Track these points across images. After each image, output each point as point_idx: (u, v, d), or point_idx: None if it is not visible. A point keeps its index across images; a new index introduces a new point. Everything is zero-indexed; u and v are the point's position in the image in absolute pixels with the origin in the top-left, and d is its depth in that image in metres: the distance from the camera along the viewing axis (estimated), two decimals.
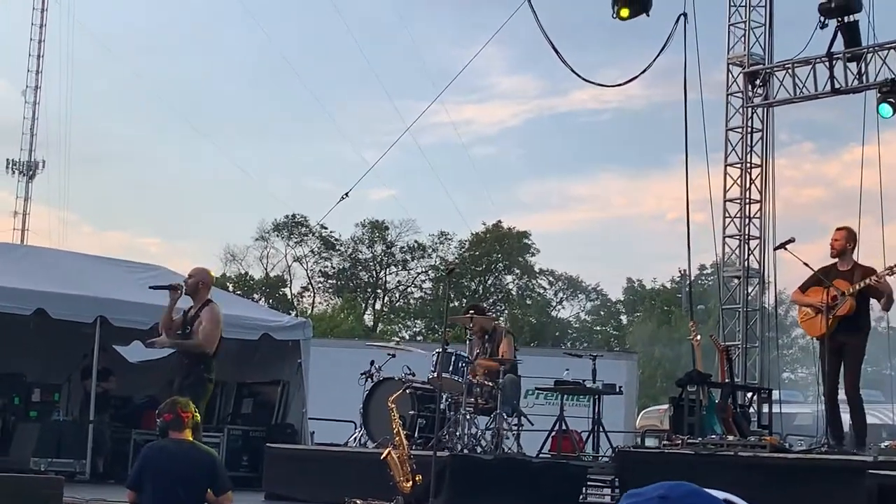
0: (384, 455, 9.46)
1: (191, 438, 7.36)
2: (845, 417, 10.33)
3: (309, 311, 53.29)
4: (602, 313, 59.64)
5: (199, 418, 7.50)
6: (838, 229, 10.49)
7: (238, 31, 71.68)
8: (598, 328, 59.08)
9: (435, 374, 10.83)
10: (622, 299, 59.80)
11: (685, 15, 14.82)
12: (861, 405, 10.17)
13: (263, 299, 53.22)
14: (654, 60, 14.97)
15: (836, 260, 10.37)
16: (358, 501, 9.29)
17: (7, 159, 39.00)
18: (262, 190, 71.48)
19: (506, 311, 53.03)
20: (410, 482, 9.30)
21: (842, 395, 10.32)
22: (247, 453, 14.67)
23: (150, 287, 11.71)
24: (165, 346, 10.41)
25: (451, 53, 65.15)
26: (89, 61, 66.52)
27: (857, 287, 10.02)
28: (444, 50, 66.29)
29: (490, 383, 11.14)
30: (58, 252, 17.01)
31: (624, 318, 60.02)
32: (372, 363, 11.89)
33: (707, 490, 1.74)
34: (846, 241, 10.37)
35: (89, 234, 66.30)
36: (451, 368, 10.87)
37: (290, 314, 30.08)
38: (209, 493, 7.21)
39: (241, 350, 16.25)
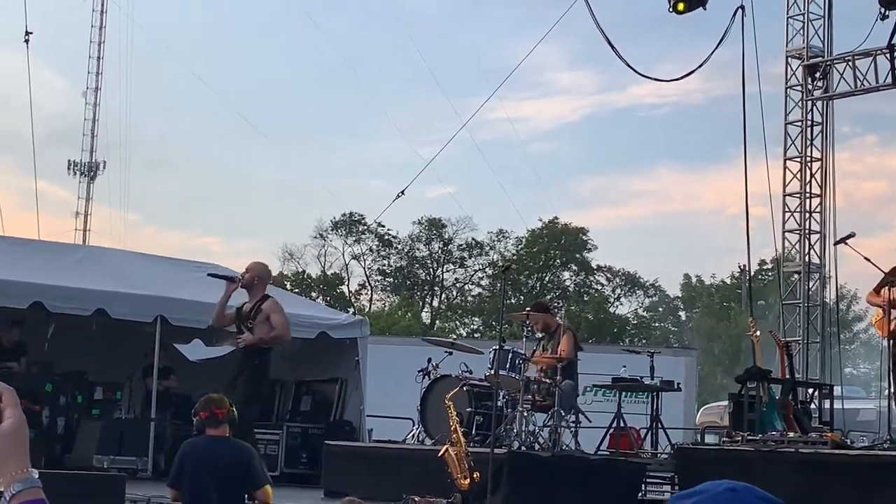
0: (442, 452, 9.47)
1: (227, 434, 7.42)
2: None
3: (366, 309, 53.49)
4: (660, 309, 59.25)
5: (235, 414, 7.54)
6: None
7: (295, 32, 72.11)
8: (657, 324, 58.71)
9: (492, 372, 10.82)
10: (680, 295, 59.37)
11: (742, 8, 14.70)
12: None
13: (321, 297, 53.49)
14: (712, 54, 14.87)
15: None
16: (416, 498, 9.31)
17: (68, 160, 39.53)
18: (320, 189, 71.92)
19: (563, 308, 52.85)
20: (468, 479, 9.30)
21: None
22: (306, 451, 14.75)
23: (209, 274, 11.82)
24: (251, 342, 10.31)
25: (508, 50, 65.07)
26: (148, 62, 67.24)
27: None
28: (502, 47, 66.25)
29: (547, 381, 11.10)
30: (117, 252, 17.20)
31: (682, 315, 59.59)
32: (429, 361, 11.91)
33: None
34: None
35: (150, 235, 67.08)
36: (507, 366, 10.85)
37: (347, 312, 30.21)
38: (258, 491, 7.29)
39: (300, 348, 16.33)
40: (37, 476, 1.76)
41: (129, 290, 14.15)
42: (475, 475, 9.32)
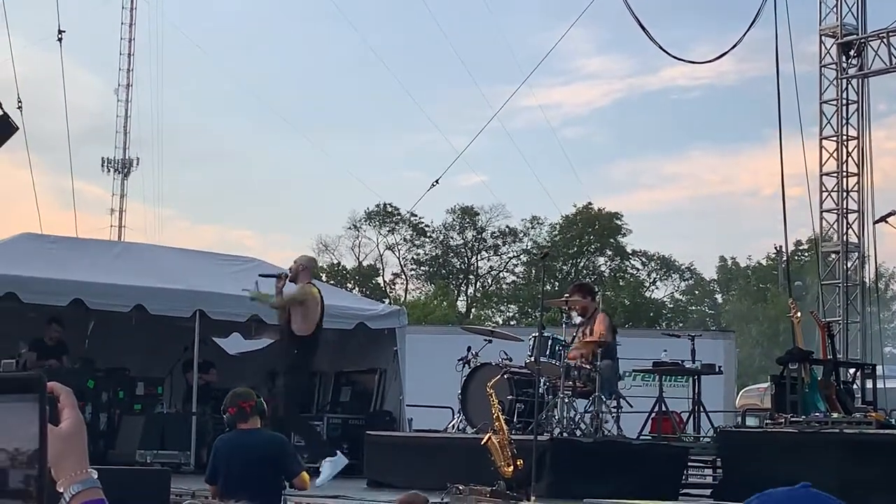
0: (485, 440, 9.47)
1: (258, 426, 7.48)
2: None
3: (402, 299, 53.58)
4: (696, 293, 58.98)
5: (264, 405, 7.60)
6: None
7: (325, 23, 72.16)
8: (693, 308, 58.45)
9: (532, 359, 10.80)
10: (716, 278, 59.08)
11: None
12: None
13: (356, 288, 53.62)
14: (745, 34, 14.76)
15: None
16: (460, 486, 9.31)
17: (102, 158, 39.80)
18: (354, 180, 72.10)
19: (600, 293, 52.67)
20: (512, 467, 9.30)
21: None
22: (346, 441, 14.77)
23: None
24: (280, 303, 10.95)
25: (538, 37, 64.93)
26: (179, 58, 67.51)
27: None
28: (532, 34, 66.05)
29: (588, 366, 11.07)
30: (154, 247, 17.31)
31: (719, 297, 59.32)
32: (469, 349, 11.90)
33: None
34: None
35: (185, 229, 67.48)
36: (547, 352, 10.83)
37: (383, 302, 30.25)
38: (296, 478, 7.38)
39: (338, 339, 16.38)
40: (96, 476, 1.77)
41: (166, 285, 14.23)
42: (518, 463, 9.32)
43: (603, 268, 57.36)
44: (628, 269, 57.37)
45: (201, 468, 13.98)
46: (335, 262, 57.42)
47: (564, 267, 55.41)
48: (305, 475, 7.46)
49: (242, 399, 7.52)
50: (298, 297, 11.02)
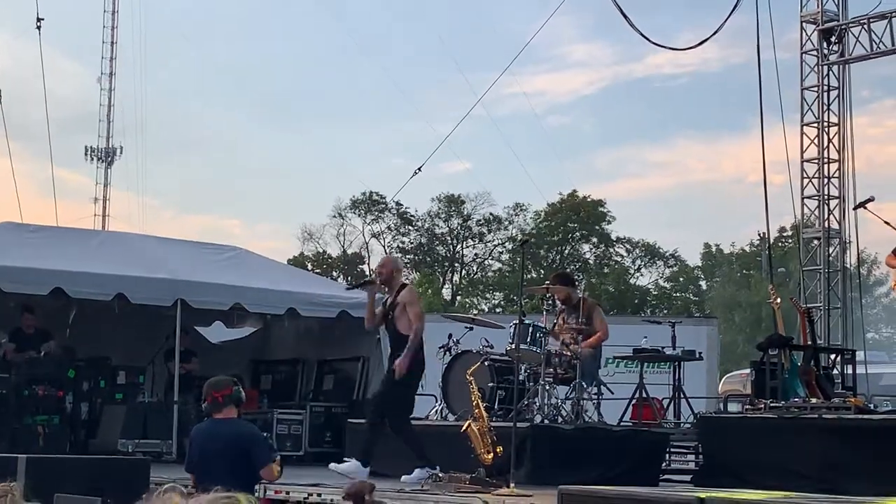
0: (464, 428, 9.49)
1: (233, 415, 7.46)
2: None
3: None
4: (681, 279, 59.11)
5: (240, 394, 7.56)
6: None
7: (310, 12, 72.00)
8: (677, 294, 58.57)
9: (513, 346, 10.82)
10: (700, 265, 59.23)
11: None
12: None
13: (342, 277, 53.60)
14: (726, 21, 14.76)
15: None
16: (440, 474, 9.33)
17: (85, 146, 39.68)
18: (339, 168, 71.94)
19: (584, 281, 52.80)
20: (491, 454, 9.32)
21: None
22: (329, 429, 14.81)
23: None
24: (403, 367, 10.16)
25: (525, 25, 64.85)
26: (163, 46, 67.34)
27: None
28: (518, 21, 65.98)
29: (568, 353, 11.10)
30: (136, 236, 17.26)
31: (703, 284, 59.46)
32: (450, 336, 11.92)
33: None
34: None
35: (171, 219, 67.36)
36: (528, 339, 10.84)
37: None
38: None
39: (321, 328, 16.37)
40: None
41: (148, 274, 14.18)
42: (498, 450, 9.34)
43: (588, 255, 57.45)
44: (613, 256, 57.48)
45: (183, 457, 13.98)
46: (320, 250, 57.41)
47: (549, 255, 55.47)
48: (275, 466, 7.45)
49: (216, 388, 7.53)
50: (415, 300, 10.58)
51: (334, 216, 56.76)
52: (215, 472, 7.19)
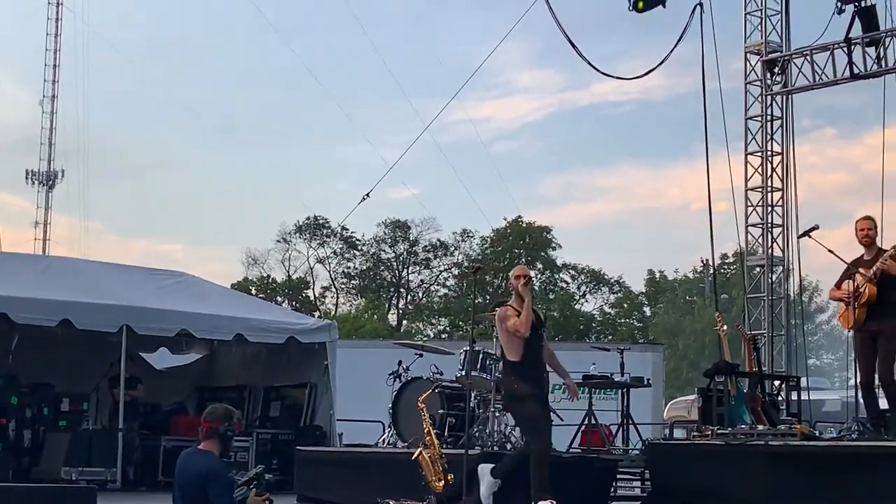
0: (415, 455, 9.47)
1: (211, 449, 7.29)
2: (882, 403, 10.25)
3: (332, 313, 53.37)
4: (625, 305, 59.48)
5: (227, 429, 7.32)
6: (865, 218, 10.34)
7: (255, 36, 71.83)
8: (622, 321, 58.93)
9: (463, 373, 10.82)
10: (644, 291, 59.66)
11: (701, 5, 14.75)
12: None
13: (286, 302, 53.32)
14: (672, 51, 14.89)
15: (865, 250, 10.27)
16: (391, 502, 9.31)
17: (26, 170, 39.24)
18: (284, 193, 71.68)
19: None
20: (442, 481, 9.31)
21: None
22: (276, 456, 14.71)
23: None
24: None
25: (472, 51, 65.13)
26: (106, 69, 66.69)
27: (873, 272, 9.95)
28: (466, 48, 66.23)
29: None
30: (81, 261, 17.11)
31: (647, 310, 59.87)
32: (399, 363, 11.90)
33: None
34: (875, 229, 10.30)
35: (114, 242, 66.61)
36: (478, 366, 10.85)
37: (313, 316, 30.14)
38: None
39: (269, 354, 16.30)
40: None
41: (93, 299, 14.07)
42: (449, 477, 9.33)
43: (533, 281, 57.64)
44: (558, 282, 57.73)
45: (128, 485, 13.88)
46: (265, 275, 57.09)
47: (495, 280, 55.58)
48: None
49: (207, 417, 7.40)
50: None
51: (279, 241, 56.55)
52: (180, 501, 7.15)
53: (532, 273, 9.88)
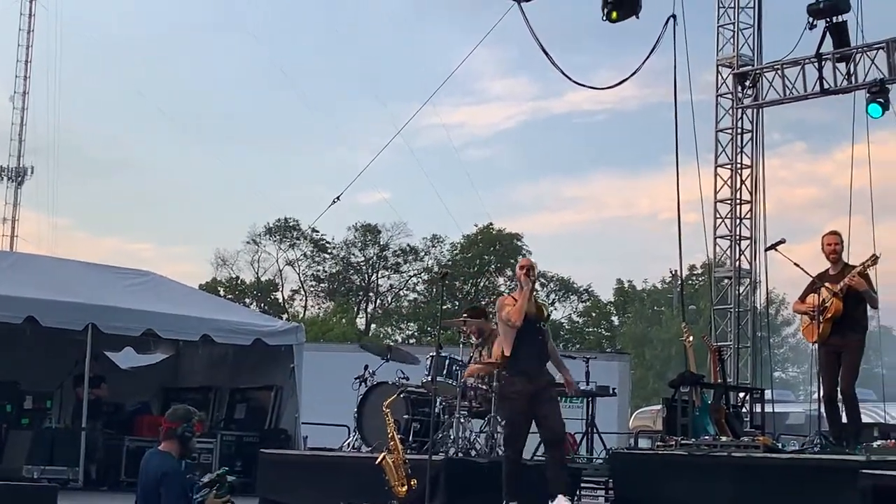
0: (379, 460, 9.45)
1: (170, 449, 7.27)
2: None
3: (300, 315, 53.26)
4: (593, 315, 59.65)
5: (185, 430, 7.30)
6: (832, 233, 10.42)
7: (231, 37, 71.65)
8: (590, 329, 59.09)
9: (429, 378, 10.82)
10: (613, 300, 59.86)
11: (674, 17, 14.83)
12: (856, 404, 10.18)
13: (255, 304, 53.15)
14: (644, 62, 14.95)
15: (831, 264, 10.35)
16: None
17: None
18: (255, 194, 71.47)
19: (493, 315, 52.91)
20: (405, 486, 9.29)
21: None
22: (240, 459, 14.64)
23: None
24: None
25: (448, 58, 65.13)
26: (78, 67, 66.36)
27: (839, 287, 10.03)
28: (443, 55, 66.34)
29: (484, 387, 11.11)
30: (48, 259, 16.99)
31: (615, 320, 60.06)
32: (366, 367, 11.87)
33: None
34: (841, 244, 10.38)
35: (83, 240, 66.20)
36: (444, 372, 10.85)
37: (281, 319, 30.05)
38: None
39: (234, 355, 16.24)
40: None
41: (59, 297, 13.97)
42: (412, 482, 9.31)
43: (503, 287, 57.66)
44: None
45: (90, 484, 13.78)
46: (234, 276, 56.89)
47: (465, 287, 55.64)
48: None
49: (168, 417, 7.40)
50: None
51: (249, 242, 56.37)
52: (140, 501, 7.13)
53: (529, 275, 9.63)
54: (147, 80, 67.28)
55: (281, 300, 57.20)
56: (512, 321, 9.25)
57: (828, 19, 15.35)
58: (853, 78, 15.78)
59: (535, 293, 9.72)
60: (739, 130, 17.38)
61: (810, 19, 15.37)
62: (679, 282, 30.69)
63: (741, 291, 17.38)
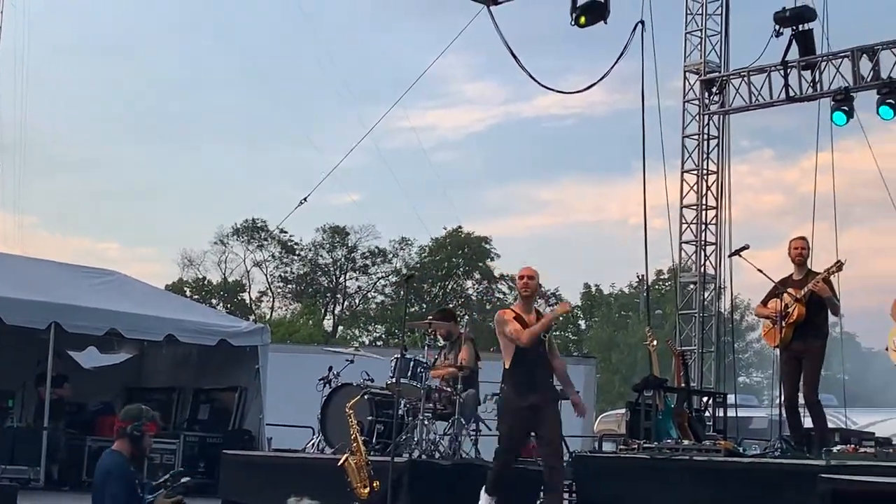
0: (342, 461, 9.45)
1: (121, 449, 7.22)
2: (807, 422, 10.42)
3: (268, 317, 53.10)
4: (560, 318, 59.74)
5: (135, 429, 7.22)
6: (800, 238, 10.51)
7: (201, 35, 71.35)
8: (556, 333, 59.13)
9: (393, 380, 10.82)
10: (580, 304, 60.04)
11: (642, 23, 14.90)
12: (821, 410, 10.27)
13: (222, 304, 52.95)
14: (612, 67, 15.01)
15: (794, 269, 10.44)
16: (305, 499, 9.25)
17: None
18: (222, 194, 71.19)
19: (466, 317, 53.08)
20: (368, 488, 9.30)
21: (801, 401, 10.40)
22: (203, 459, 14.59)
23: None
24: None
25: (419, 60, 65.16)
26: (45, 63, 65.84)
27: (803, 293, 10.11)
28: (414, 57, 66.33)
29: (448, 389, 11.12)
30: (11, 257, 16.84)
31: (582, 324, 60.23)
32: (330, 369, 11.86)
33: None
34: (808, 249, 10.47)
35: (49, 239, 65.72)
36: (409, 374, 10.85)
37: (248, 320, 29.94)
38: None
39: (199, 356, 16.18)
40: None
41: (22, 295, 13.87)
42: (375, 484, 9.32)
43: (471, 291, 57.77)
44: (496, 292, 57.90)
45: (52, 484, 13.69)
46: (200, 276, 56.66)
47: (433, 289, 55.65)
48: None
49: (120, 416, 7.36)
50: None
51: (216, 243, 56.14)
52: (95, 500, 7.10)
53: (527, 275, 9.54)
54: (114, 77, 66.95)
55: (248, 301, 57.02)
56: (522, 342, 9.03)
57: (794, 27, 15.48)
58: (818, 86, 15.92)
59: (535, 304, 9.65)
60: (706, 136, 17.48)
61: (776, 27, 15.49)
62: (645, 287, 30.80)
63: (706, 296, 17.47)
